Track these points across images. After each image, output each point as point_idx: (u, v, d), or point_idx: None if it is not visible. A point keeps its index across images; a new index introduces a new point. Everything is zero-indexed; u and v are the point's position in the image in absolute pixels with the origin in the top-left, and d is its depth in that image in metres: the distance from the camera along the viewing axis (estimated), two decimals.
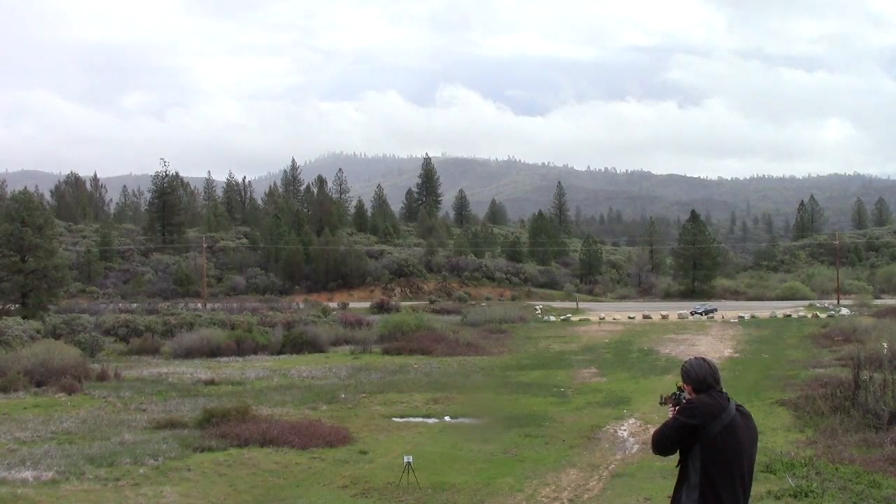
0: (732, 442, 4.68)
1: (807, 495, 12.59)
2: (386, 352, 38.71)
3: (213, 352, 39.20)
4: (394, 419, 21.91)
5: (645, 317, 59.42)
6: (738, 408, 4.84)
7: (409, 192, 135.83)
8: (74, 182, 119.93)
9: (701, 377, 4.87)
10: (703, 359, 5.07)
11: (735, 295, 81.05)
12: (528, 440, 18.75)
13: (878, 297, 70.79)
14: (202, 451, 17.05)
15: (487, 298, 77.23)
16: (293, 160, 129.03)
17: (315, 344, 41.78)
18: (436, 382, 28.26)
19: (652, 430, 18.06)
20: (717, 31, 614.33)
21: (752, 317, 57.08)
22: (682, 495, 4.79)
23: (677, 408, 4.90)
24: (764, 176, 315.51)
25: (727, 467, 4.68)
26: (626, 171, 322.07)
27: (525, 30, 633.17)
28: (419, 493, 13.90)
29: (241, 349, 39.95)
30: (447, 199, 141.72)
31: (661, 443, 4.87)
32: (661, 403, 5.24)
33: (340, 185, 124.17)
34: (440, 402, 23.96)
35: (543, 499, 13.61)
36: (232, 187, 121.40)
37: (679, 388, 5.08)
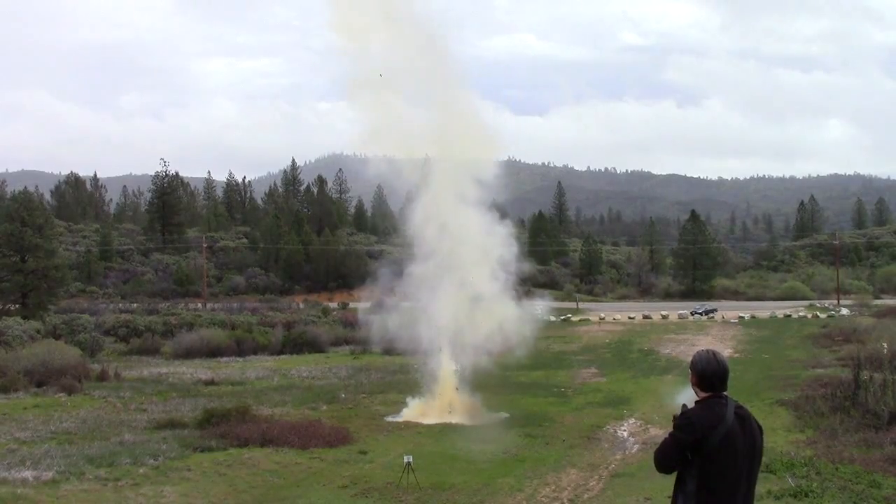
0: (730, 452, 4.62)
1: (807, 495, 12.59)
2: (386, 352, 38.69)
3: (213, 352, 39.19)
4: (385, 418, 21.91)
5: (645, 317, 59.42)
6: (737, 410, 4.75)
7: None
8: (74, 182, 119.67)
9: (707, 374, 4.79)
10: (714, 355, 4.83)
11: (735, 295, 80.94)
12: (528, 440, 18.75)
13: (878, 297, 70.70)
14: (202, 451, 17.06)
15: None
16: (293, 160, 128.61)
17: (315, 344, 41.76)
18: None
19: (652, 431, 17.84)
20: (712, 31, 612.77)
21: (752, 317, 57.07)
22: (680, 503, 4.75)
23: (674, 424, 4.79)
24: (764, 176, 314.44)
25: (725, 476, 4.62)
26: (626, 171, 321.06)
27: (521, 30, 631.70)
28: (419, 493, 13.90)
29: (241, 349, 39.94)
30: None
31: (665, 463, 4.78)
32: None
33: (340, 185, 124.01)
34: None
35: (543, 499, 13.61)
36: (232, 187, 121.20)
37: (675, 419, 5.00)
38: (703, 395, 4.85)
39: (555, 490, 14.06)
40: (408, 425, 21.06)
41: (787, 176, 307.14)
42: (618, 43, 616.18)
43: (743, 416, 4.76)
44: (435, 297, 22.76)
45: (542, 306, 37.04)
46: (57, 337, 37.38)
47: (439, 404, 22.14)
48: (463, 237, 23.09)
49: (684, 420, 4.73)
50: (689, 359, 5.04)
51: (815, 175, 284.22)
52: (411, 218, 23.79)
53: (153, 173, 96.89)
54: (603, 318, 57.92)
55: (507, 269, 24.30)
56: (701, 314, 60.27)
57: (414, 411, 22.22)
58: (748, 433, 4.76)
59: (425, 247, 23.34)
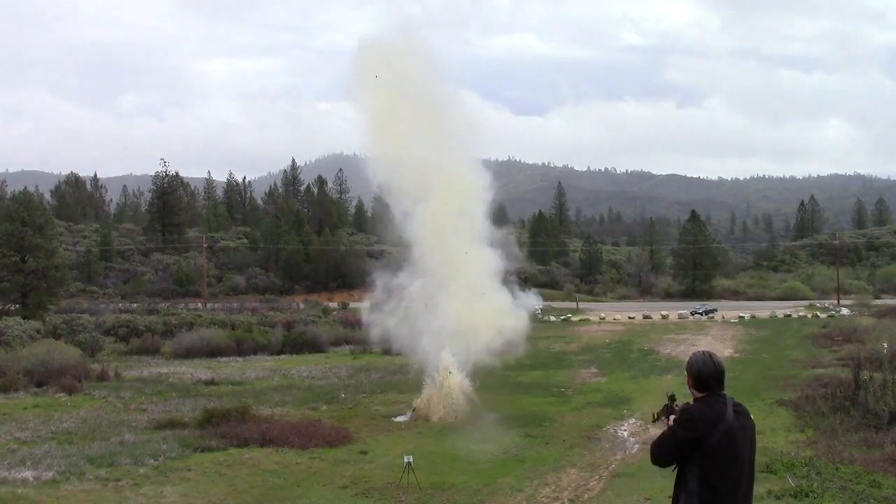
0: (731, 450, 4.63)
1: (807, 495, 12.59)
2: (386, 352, 38.67)
3: (213, 352, 39.19)
4: (394, 419, 21.93)
5: (645, 317, 59.41)
6: (736, 408, 4.77)
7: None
8: (74, 182, 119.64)
9: (703, 375, 4.81)
10: (710, 356, 4.91)
11: (735, 295, 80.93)
12: (528, 440, 18.74)
13: (878, 297, 70.69)
14: (202, 451, 17.06)
15: None
16: (293, 160, 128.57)
17: (315, 344, 41.76)
18: None
19: (652, 431, 17.79)
20: (712, 31, 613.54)
21: (752, 317, 57.05)
22: (681, 502, 4.75)
23: (674, 419, 4.79)
24: (764, 176, 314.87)
25: (726, 474, 4.63)
26: (626, 171, 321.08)
27: (521, 30, 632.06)
28: (419, 493, 13.90)
29: (241, 349, 39.95)
30: None
31: (662, 456, 4.79)
32: (653, 421, 5.09)
33: (340, 185, 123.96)
34: None
35: (543, 499, 13.61)
36: (232, 187, 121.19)
37: (670, 398, 4.99)
38: (700, 395, 4.85)
39: (555, 490, 14.06)
40: (409, 425, 21.07)
41: (787, 176, 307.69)
42: (618, 43, 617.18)
43: (741, 414, 4.78)
44: (435, 301, 22.75)
45: (537, 305, 37.03)
46: (57, 337, 37.38)
47: (439, 401, 22.09)
48: (463, 246, 23.05)
49: (686, 416, 4.73)
50: (698, 351, 5.04)
51: (815, 175, 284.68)
52: (410, 226, 23.72)
53: (153, 173, 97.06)
54: (603, 318, 57.93)
55: (506, 271, 24.31)
56: (701, 314, 60.28)
57: (418, 411, 22.20)
58: (747, 431, 4.78)
59: (424, 257, 23.31)
